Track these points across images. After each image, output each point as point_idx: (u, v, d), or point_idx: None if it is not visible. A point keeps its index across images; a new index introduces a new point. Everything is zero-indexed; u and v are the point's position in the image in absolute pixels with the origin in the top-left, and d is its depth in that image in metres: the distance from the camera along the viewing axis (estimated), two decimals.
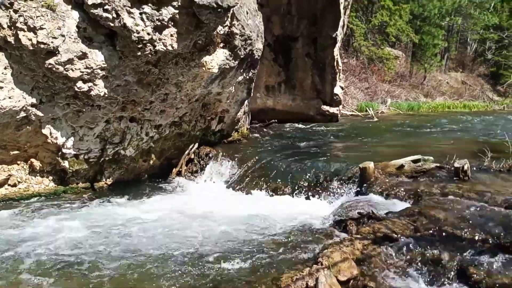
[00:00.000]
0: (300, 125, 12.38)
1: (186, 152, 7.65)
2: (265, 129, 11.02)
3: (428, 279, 3.39)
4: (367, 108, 17.51)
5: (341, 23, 12.60)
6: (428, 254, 3.64)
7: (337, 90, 13.16)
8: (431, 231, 4.03)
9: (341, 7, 12.11)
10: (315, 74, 12.93)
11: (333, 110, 13.36)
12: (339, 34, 12.77)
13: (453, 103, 22.54)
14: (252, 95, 8.40)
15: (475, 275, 3.30)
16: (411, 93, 23.33)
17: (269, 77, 12.94)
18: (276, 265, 3.90)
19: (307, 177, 6.36)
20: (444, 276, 3.39)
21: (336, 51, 12.64)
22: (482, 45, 31.18)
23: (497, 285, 3.19)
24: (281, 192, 6.32)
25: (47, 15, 5.16)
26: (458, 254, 3.60)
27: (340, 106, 14.01)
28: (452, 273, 3.40)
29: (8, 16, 5.08)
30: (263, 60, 12.03)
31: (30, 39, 5.11)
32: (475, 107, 22.47)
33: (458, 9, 26.31)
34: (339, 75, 13.27)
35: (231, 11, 6.03)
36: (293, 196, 6.21)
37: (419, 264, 3.56)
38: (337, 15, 12.08)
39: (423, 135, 10.85)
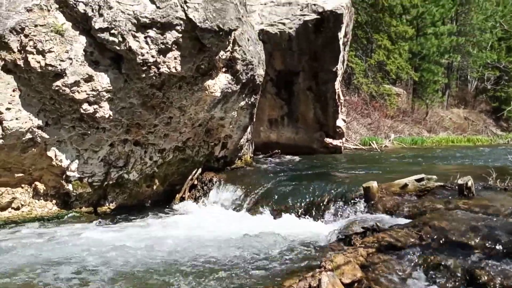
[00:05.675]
0: (304, 156, 12.40)
1: (190, 177, 7.67)
2: (268, 159, 11.04)
3: (434, 281, 3.31)
4: (370, 142, 17.52)
5: (341, 58, 12.91)
6: (433, 259, 3.58)
7: (339, 122, 13.28)
8: (436, 239, 3.97)
9: (341, 42, 12.45)
10: (317, 107, 13.09)
11: (336, 142, 13.39)
12: (339, 68, 13.04)
13: (457, 137, 22.52)
14: (254, 120, 8.51)
15: (482, 277, 3.23)
16: (414, 128, 23.39)
17: (272, 111, 13.12)
18: (281, 274, 3.86)
19: (312, 199, 6.32)
20: (450, 279, 3.31)
21: (337, 85, 12.86)
22: (482, 83, 31.62)
23: (506, 286, 3.11)
24: (286, 213, 6.25)
25: (56, 39, 5.39)
26: (464, 259, 3.54)
27: (343, 139, 14.04)
28: (458, 275, 3.33)
29: (18, 40, 5.31)
30: (266, 95, 12.28)
31: (39, 62, 5.31)
32: (479, 141, 22.43)
33: (457, 48, 26.88)
34: (341, 108, 13.43)
35: (233, 36, 6.26)
36: (298, 217, 6.13)
37: (424, 267, 3.49)
38: (336, 50, 12.40)
39: (428, 163, 10.82)
